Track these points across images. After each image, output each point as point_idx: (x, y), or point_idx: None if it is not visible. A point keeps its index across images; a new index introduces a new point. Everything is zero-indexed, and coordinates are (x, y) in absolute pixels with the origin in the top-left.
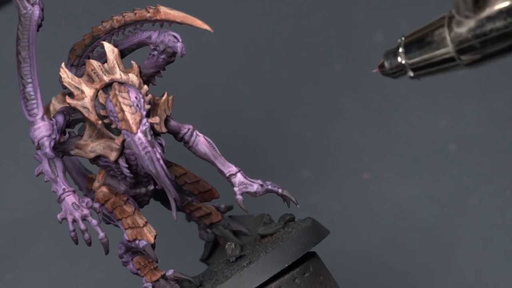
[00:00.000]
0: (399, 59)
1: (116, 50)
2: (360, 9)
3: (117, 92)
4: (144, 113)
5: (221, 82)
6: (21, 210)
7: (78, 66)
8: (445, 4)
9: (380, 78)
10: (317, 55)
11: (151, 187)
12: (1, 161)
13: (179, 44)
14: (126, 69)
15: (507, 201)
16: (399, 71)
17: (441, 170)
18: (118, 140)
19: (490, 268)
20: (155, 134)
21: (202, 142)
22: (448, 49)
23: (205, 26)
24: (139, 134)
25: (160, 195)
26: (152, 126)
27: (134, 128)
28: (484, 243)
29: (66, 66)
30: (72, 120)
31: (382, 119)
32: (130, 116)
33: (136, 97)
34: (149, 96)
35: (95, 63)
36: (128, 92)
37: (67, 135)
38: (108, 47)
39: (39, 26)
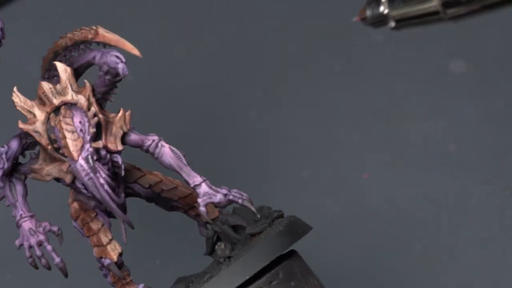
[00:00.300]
0: (381, 8)
1: (69, 69)
2: (360, 9)
3: (61, 118)
4: (88, 137)
5: (221, 82)
6: None
7: (48, 79)
8: None
9: (380, 78)
10: (317, 55)
11: (121, 201)
12: None
13: (120, 65)
14: (79, 88)
15: (506, 201)
16: (381, 21)
17: (440, 170)
18: (64, 166)
19: (489, 268)
20: (111, 152)
21: (166, 153)
22: (433, 3)
23: (135, 51)
24: (80, 161)
25: (152, 197)
26: (105, 147)
27: (74, 155)
28: (483, 243)
29: (39, 79)
30: (29, 143)
31: (382, 119)
32: (71, 143)
33: (80, 122)
34: (95, 119)
35: (45, 86)
36: (72, 117)
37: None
38: (60, 67)
39: None
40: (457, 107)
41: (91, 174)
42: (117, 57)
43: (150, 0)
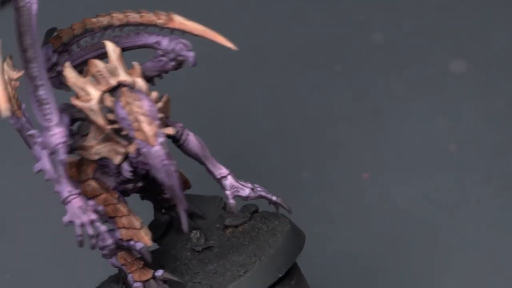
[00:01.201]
0: None
1: (118, 50)
2: (360, 9)
3: (130, 100)
4: (158, 123)
5: (221, 82)
6: (21, 210)
7: (61, 52)
8: (445, 4)
9: (380, 78)
10: (317, 55)
11: (140, 184)
12: (0, 160)
13: (191, 54)
14: (128, 70)
15: (506, 201)
16: None
17: (440, 170)
18: (132, 148)
19: (489, 269)
20: None
21: (193, 142)
22: None
23: (229, 44)
24: (157, 147)
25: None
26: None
27: (152, 140)
28: (483, 244)
29: (46, 50)
30: (73, 119)
31: (382, 119)
32: (148, 128)
33: (150, 106)
34: (160, 104)
35: (100, 65)
36: (141, 100)
37: None
38: (110, 46)
39: None
40: (457, 107)
41: (166, 161)
42: (186, 45)
43: (152, 1)
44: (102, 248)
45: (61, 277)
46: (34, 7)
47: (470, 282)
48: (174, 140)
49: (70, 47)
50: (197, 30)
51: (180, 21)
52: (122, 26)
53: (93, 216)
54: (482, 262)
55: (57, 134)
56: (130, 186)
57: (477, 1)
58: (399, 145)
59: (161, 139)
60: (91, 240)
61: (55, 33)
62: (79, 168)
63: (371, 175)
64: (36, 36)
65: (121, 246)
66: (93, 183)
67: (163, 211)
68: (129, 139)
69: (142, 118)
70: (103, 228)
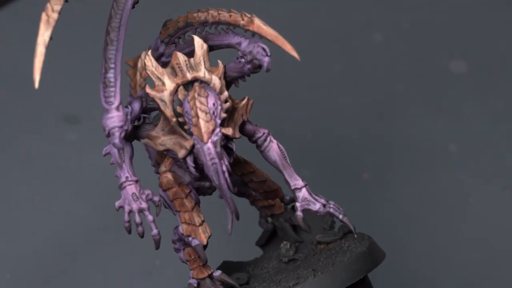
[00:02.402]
0: None
1: (205, 46)
2: (360, 9)
3: (196, 95)
4: (219, 121)
5: None
6: (21, 210)
7: (168, 44)
8: (446, 4)
9: (380, 78)
10: (317, 55)
11: (235, 190)
12: (1, 162)
13: (266, 59)
14: (211, 67)
15: (506, 201)
16: None
17: (440, 170)
18: (188, 143)
19: (488, 269)
20: (228, 139)
21: (274, 149)
22: None
23: (294, 53)
24: (209, 144)
25: (235, 184)
26: (225, 135)
27: (205, 137)
28: (482, 243)
29: (156, 41)
30: (148, 108)
31: (382, 119)
32: (204, 124)
33: (214, 104)
34: (228, 104)
35: (181, 57)
36: (207, 97)
37: (141, 120)
38: (197, 41)
39: (135, 2)
40: (457, 107)
41: (216, 160)
42: (264, 49)
43: (156, 2)
44: (173, 242)
45: (61, 277)
46: None
47: (470, 282)
48: (257, 146)
49: (177, 39)
50: (270, 35)
51: (258, 24)
52: (216, 23)
53: (144, 205)
54: (481, 262)
55: (115, 118)
56: (206, 184)
57: (477, 2)
58: (399, 145)
59: (215, 138)
60: (137, 227)
61: (165, 23)
62: (161, 160)
63: (371, 175)
64: (125, 21)
65: (183, 240)
66: (169, 176)
67: (268, 219)
68: (191, 134)
69: (201, 114)
70: (150, 217)
